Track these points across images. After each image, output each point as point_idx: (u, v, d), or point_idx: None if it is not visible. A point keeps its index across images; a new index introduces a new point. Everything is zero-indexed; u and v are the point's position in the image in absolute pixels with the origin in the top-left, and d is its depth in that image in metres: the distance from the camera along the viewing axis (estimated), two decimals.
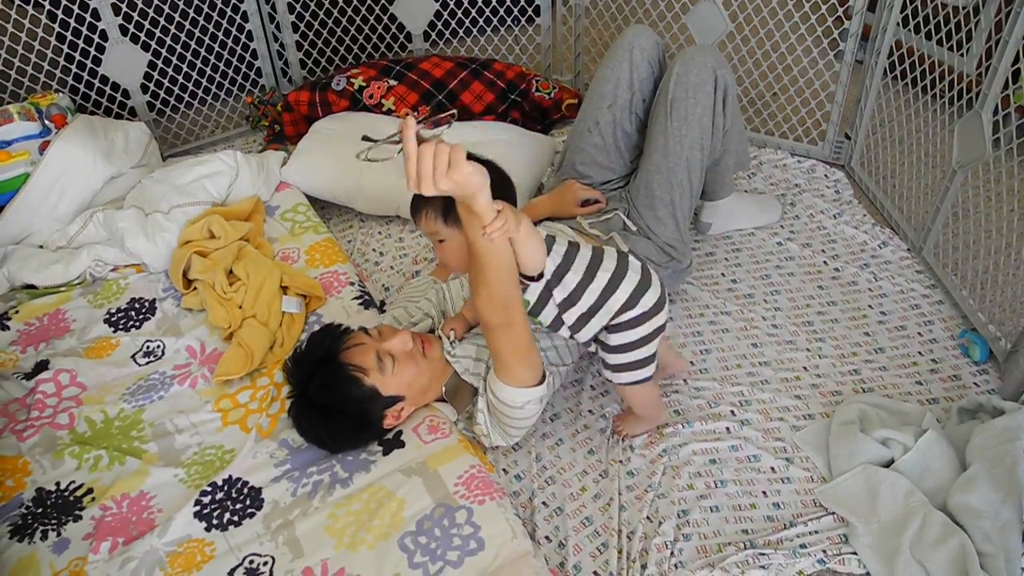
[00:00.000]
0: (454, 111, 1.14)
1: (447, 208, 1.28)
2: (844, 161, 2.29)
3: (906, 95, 2.04)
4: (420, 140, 1.02)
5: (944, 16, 1.88)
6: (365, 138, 1.11)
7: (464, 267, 1.31)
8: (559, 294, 1.31)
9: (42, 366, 1.63)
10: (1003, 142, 1.65)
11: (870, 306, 1.84)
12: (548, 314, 1.35)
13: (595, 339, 1.40)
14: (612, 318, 1.34)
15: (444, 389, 1.50)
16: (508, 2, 2.56)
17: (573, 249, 1.33)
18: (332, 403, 1.39)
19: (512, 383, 1.36)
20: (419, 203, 1.32)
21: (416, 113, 0.97)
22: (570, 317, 1.34)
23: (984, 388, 1.64)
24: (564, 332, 1.38)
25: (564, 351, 1.53)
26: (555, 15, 2.58)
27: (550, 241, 1.32)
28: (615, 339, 1.36)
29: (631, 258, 1.37)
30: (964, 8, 1.81)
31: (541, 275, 1.28)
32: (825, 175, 2.25)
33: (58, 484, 1.43)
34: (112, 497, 1.40)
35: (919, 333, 1.77)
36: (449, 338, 1.51)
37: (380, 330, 1.47)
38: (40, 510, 1.39)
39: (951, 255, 1.85)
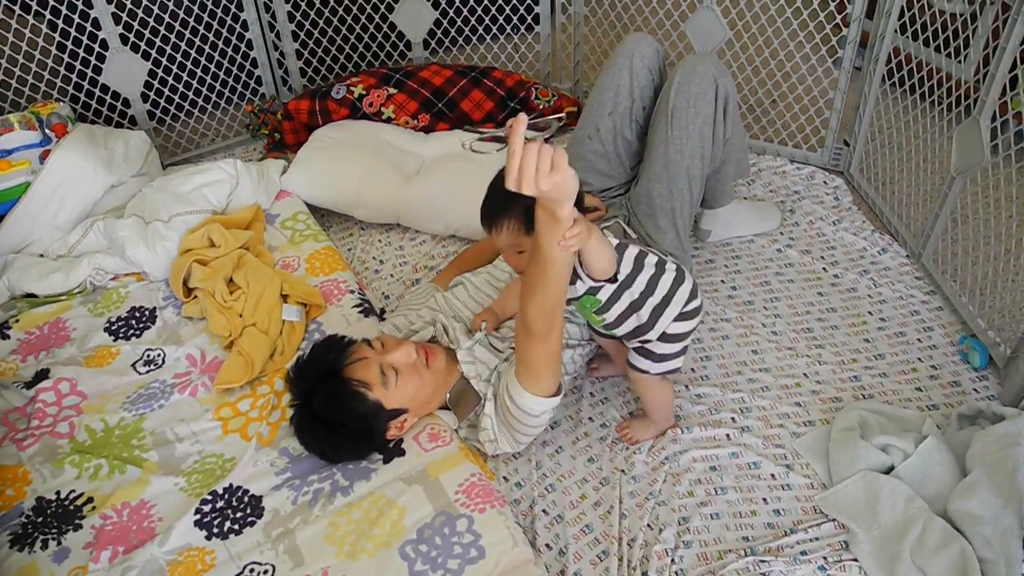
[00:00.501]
0: (562, 115, 1.14)
1: (529, 219, 1.26)
2: (843, 168, 2.29)
3: (904, 102, 2.05)
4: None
5: (942, 23, 1.89)
6: (467, 129, 1.09)
7: None
8: (637, 288, 1.35)
9: (42, 375, 1.63)
10: (1001, 148, 1.66)
11: (870, 312, 1.84)
12: (616, 311, 1.36)
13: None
14: (683, 306, 1.38)
15: (448, 396, 1.50)
16: (507, 10, 2.57)
17: (641, 255, 1.36)
18: (336, 417, 1.39)
19: (536, 391, 1.37)
20: (498, 214, 1.29)
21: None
22: (646, 310, 1.36)
23: (984, 394, 1.64)
24: (630, 324, 1.38)
25: (569, 362, 1.54)
26: (554, 23, 2.59)
27: (622, 247, 1.33)
28: (678, 327, 1.40)
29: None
30: (962, 15, 1.82)
31: (615, 278, 1.31)
32: (824, 182, 2.26)
33: (58, 493, 1.43)
34: (112, 506, 1.40)
35: (919, 339, 1.77)
36: (481, 329, 1.52)
37: (383, 341, 1.47)
38: (40, 519, 1.39)
39: (950, 261, 1.85)
